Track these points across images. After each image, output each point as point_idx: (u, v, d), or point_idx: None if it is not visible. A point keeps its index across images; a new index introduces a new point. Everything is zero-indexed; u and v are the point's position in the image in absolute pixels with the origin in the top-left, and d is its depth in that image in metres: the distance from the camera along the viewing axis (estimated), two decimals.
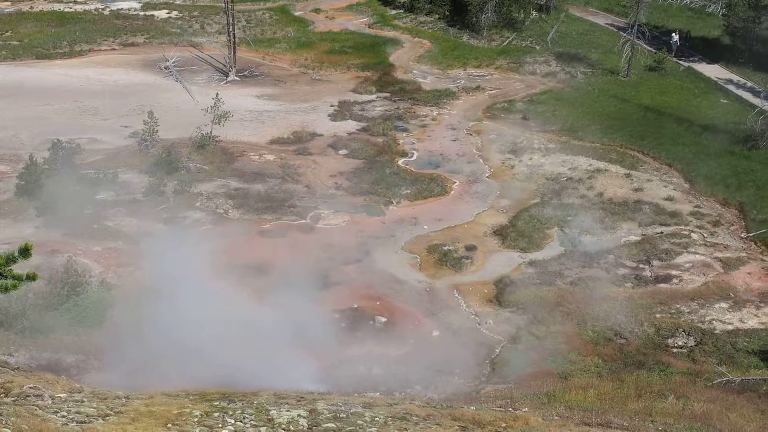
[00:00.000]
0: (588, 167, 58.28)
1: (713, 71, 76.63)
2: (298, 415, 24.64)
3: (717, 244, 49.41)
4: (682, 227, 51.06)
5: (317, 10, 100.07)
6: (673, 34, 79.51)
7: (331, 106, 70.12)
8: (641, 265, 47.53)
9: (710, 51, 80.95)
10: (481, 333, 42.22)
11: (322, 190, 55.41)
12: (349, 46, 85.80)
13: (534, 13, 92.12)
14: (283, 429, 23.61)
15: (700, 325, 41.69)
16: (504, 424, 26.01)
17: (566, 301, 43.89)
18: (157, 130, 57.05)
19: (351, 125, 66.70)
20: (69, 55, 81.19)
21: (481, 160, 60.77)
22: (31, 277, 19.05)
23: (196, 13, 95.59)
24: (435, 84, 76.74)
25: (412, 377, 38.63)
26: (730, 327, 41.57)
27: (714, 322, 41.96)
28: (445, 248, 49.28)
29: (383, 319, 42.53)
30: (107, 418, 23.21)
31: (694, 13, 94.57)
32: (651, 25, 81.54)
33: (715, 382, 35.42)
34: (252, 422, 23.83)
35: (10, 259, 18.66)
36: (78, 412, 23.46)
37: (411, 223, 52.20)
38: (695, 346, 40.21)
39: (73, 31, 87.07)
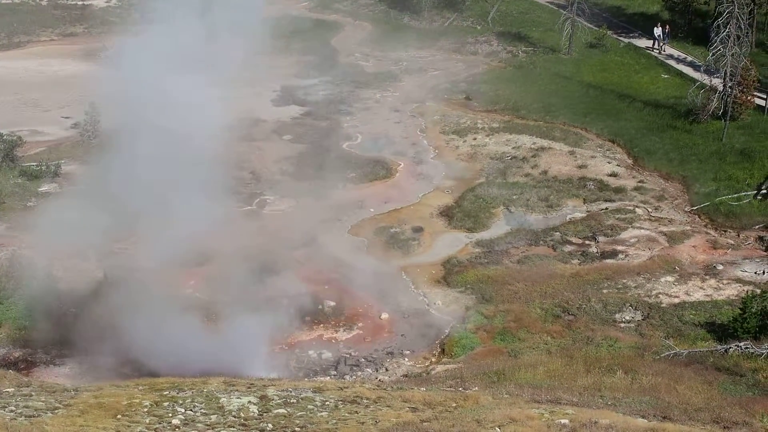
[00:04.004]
0: (532, 145, 58.49)
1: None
2: (249, 402, 24.67)
3: (661, 218, 49.81)
4: (626, 203, 51.42)
5: None
6: (656, 28, 77.19)
7: (274, 91, 69.84)
8: (587, 242, 47.82)
9: (650, 26, 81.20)
10: (430, 314, 42.31)
11: (268, 176, 55.23)
12: (290, 30, 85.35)
13: None
14: (234, 416, 23.61)
15: (646, 299, 41.98)
16: (454, 404, 26.15)
17: (514, 279, 44.06)
18: (99, 120, 56.52)
19: (294, 110, 66.56)
20: (7, 47, 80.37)
21: (425, 142, 60.85)
22: None
23: (135, 2, 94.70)
24: (377, 67, 76.71)
25: (362, 360, 38.73)
26: (676, 300, 41.89)
27: (660, 295, 42.28)
28: (392, 230, 49.32)
29: (332, 303, 42.49)
30: (56, 411, 23.12)
31: None
32: (591, 2, 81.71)
33: (662, 355, 35.73)
34: (202, 410, 23.82)
35: None
36: (26, 406, 23.36)
37: (357, 207, 52.17)
38: (642, 320, 40.49)
39: (11, 22, 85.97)
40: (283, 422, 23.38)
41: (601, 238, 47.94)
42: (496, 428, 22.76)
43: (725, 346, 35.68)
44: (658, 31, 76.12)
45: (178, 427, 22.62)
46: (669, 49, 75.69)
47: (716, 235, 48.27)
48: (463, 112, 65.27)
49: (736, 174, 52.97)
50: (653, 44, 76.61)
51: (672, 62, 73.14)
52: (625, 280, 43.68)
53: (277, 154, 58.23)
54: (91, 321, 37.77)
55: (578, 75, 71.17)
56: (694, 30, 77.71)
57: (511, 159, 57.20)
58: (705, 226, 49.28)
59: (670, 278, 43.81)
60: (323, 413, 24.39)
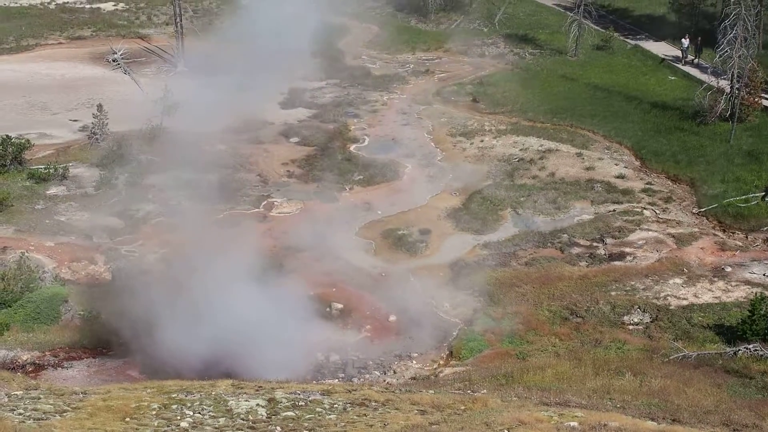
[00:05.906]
0: (539, 147, 58.43)
1: (660, 48, 76.92)
2: (257, 405, 24.68)
3: (669, 220, 49.72)
4: (634, 204, 51.33)
5: None
6: (683, 40, 74.86)
7: (281, 93, 69.66)
8: (595, 244, 47.74)
9: (656, 28, 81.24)
10: (438, 316, 42.24)
11: (275, 179, 55.25)
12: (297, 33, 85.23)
13: None
14: (242, 419, 23.61)
15: (655, 301, 41.95)
16: (463, 407, 26.14)
17: (521, 281, 44.02)
18: (107, 123, 56.66)
19: (302, 112, 66.44)
20: (16, 51, 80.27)
21: (432, 144, 60.72)
22: None
23: (142, 5, 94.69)
24: (384, 69, 76.56)
25: (370, 363, 38.68)
26: (684, 302, 41.85)
27: (669, 297, 42.24)
28: (400, 233, 49.26)
29: (340, 306, 42.47)
30: (64, 414, 23.13)
31: None
32: (597, 4, 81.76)
33: (671, 357, 35.72)
34: (211, 413, 23.83)
35: None
36: (35, 409, 23.39)
37: (364, 209, 52.11)
38: (651, 322, 40.49)
39: (19, 26, 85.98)
40: (291, 425, 23.38)
41: (608, 240, 47.89)
42: (505, 431, 22.73)
43: (734, 349, 35.69)
44: (686, 42, 74.13)
45: (187, 430, 22.62)
46: (696, 62, 73.82)
47: (724, 236, 48.22)
48: (470, 114, 65.17)
49: (743, 176, 52.90)
50: (682, 56, 75.20)
51: (679, 64, 73.03)
52: (633, 282, 43.64)
53: (285, 157, 58.20)
54: (99, 323, 37.96)
55: (585, 77, 71.10)
56: (701, 32, 77.49)
57: (518, 161, 57.14)
58: (713, 227, 49.23)
59: (678, 280, 43.77)
60: (332, 416, 24.39)
